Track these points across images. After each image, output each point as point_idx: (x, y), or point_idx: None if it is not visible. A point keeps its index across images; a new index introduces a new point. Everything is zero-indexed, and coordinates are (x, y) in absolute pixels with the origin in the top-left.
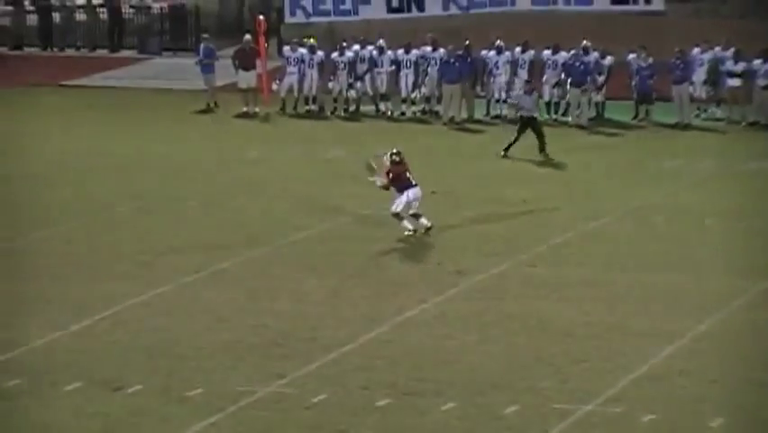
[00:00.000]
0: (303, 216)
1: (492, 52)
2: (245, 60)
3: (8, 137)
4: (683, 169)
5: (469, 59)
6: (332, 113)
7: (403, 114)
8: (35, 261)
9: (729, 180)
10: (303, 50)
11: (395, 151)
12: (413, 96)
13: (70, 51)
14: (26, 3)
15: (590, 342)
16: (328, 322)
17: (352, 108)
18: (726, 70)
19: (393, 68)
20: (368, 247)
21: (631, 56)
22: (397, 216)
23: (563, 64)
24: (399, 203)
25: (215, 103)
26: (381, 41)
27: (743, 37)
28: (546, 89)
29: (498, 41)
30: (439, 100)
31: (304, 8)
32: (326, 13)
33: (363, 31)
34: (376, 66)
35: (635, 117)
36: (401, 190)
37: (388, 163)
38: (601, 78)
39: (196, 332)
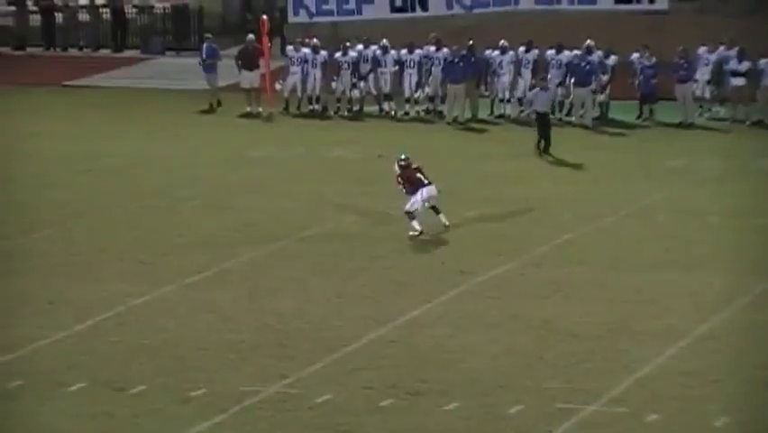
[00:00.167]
0: (306, 215)
1: (496, 52)
2: (248, 60)
3: (11, 137)
4: (687, 168)
5: (473, 59)
6: (335, 113)
7: (406, 114)
8: (38, 261)
9: (733, 179)
10: (306, 50)
11: (402, 157)
12: (416, 95)
13: (73, 52)
14: (29, 3)
15: (594, 342)
16: (332, 322)
17: (356, 108)
18: (730, 69)
19: (396, 68)
20: (372, 247)
21: (634, 55)
22: (409, 214)
23: (567, 64)
24: (414, 202)
25: (219, 102)
26: (385, 41)
27: (747, 36)
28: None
29: (502, 41)
30: (443, 100)
31: (307, 8)
32: (330, 13)
33: (367, 30)
34: (379, 66)
35: (639, 117)
36: (414, 192)
37: (396, 170)
38: (605, 78)
39: (199, 332)
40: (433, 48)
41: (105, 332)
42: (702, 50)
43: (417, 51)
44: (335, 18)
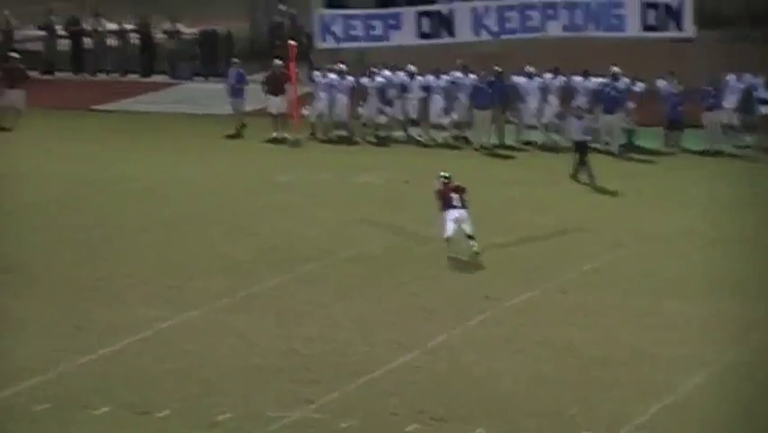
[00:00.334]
0: (332, 240)
1: (523, 78)
2: (276, 86)
3: (39, 160)
4: (713, 196)
5: (499, 85)
6: (362, 138)
7: (433, 139)
8: (65, 284)
9: (760, 208)
10: (333, 76)
11: (444, 174)
12: (443, 121)
13: (102, 76)
14: (58, 28)
15: (620, 368)
16: (357, 347)
17: (382, 134)
18: (758, 97)
19: (423, 93)
20: (397, 272)
21: (661, 82)
22: (448, 240)
23: (594, 90)
24: (447, 228)
25: (243, 125)
26: (412, 67)
27: None
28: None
29: (529, 67)
30: (469, 126)
31: (334, 34)
32: (357, 39)
33: (394, 56)
34: (406, 91)
35: (666, 144)
36: (445, 208)
37: (437, 185)
38: (632, 105)
39: (224, 356)
40: (460, 74)
41: (130, 356)
42: (730, 77)
43: (444, 77)
44: (362, 44)
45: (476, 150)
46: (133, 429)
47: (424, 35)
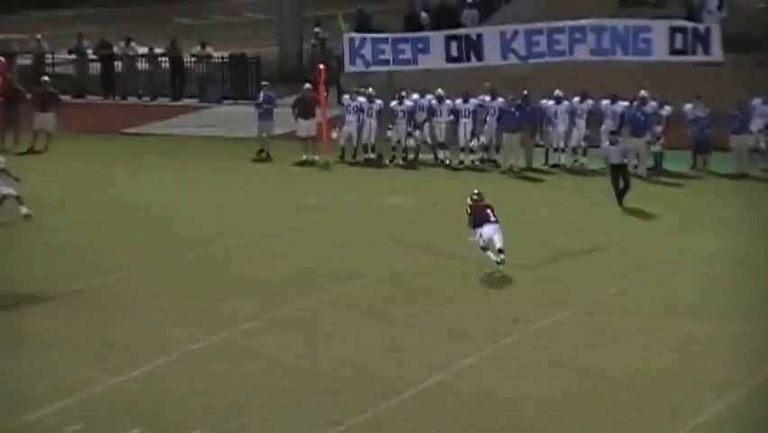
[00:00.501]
0: (360, 262)
1: (551, 102)
2: (305, 109)
3: (69, 183)
4: (741, 219)
5: (527, 109)
6: (390, 161)
7: (462, 162)
8: (94, 306)
9: None
10: (362, 99)
11: (475, 192)
12: (471, 144)
13: (132, 100)
14: (89, 52)
15: (648, 391)
16: (385, 369)
17: (411, 157)
18: None
19: (452, 117)
20: (426, 294)
21: (688, 106)
22: (483, 249)
23: (622, 114)
24: (480, 241)
25: (268, 153)
26: (440, 90)
27: None
28: (604, 139)
29: (557, 91)
30: (497, 149)
31: (363, 57)
32: (386, 63)
33: (422, 80)
34: (434, 115)
35: (693, 167)
36: (476, 226)
37: (469, 202)
38: (659, 128)
39: (253, 378)
40: (488, 97)
41: (160, 377)
42: (757, 101)
43: (472, 101)
44: (391, 67)
45: (504, 173)
46: None
47: (452, 59)
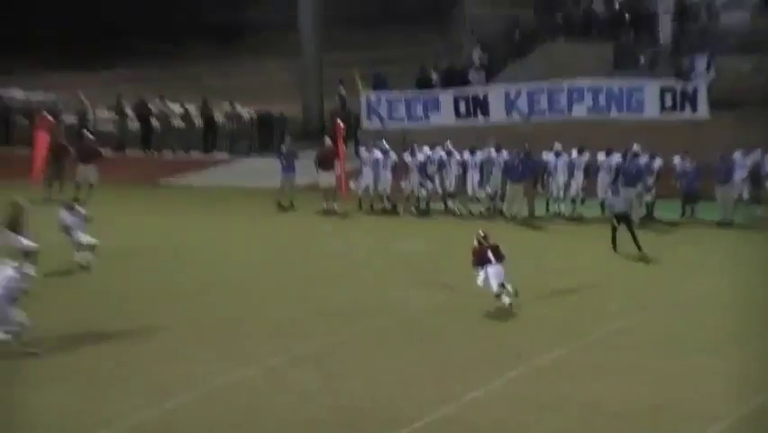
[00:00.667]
0: (376, 303)
1: (551, 155)
2: (325, 162)
3: (106, 229)
4: (727, 263)
5: (530, 162)
6: (404, 210)
7: (470, 211)
8: (129, 344)
9: None
10: (378, 153)
11: (482, 233)
12: (478, 194)
13: (167, 153)
14: (128, 111)
15: (643, 422)
16: (399, 402)
17: (423, 206)
18: (765, 173)
19: (460, 169)
20: (436, 331)
21: (677, 159)
22: (498, 296)
23: (617, 167)
24: (487, 284)
25: (291, 203)
26: (449, 145)
27: None
28: (600, 190)
29: (557, 145)
30: (502, 198)
31: (379, 114)
32: (400, 120)
33: (433, 135)
34: (444, 167)
35: (682, 215)
36: (480, 264)
37: (474, 243)
38: (650, 180)
39: (278, 410)
40: (493, 151)
41: (191, 409)
42: (737, 154)
43: (479, 154)
44: (405, 124)
45: (509, 220)
46: None
47: (460, 116)
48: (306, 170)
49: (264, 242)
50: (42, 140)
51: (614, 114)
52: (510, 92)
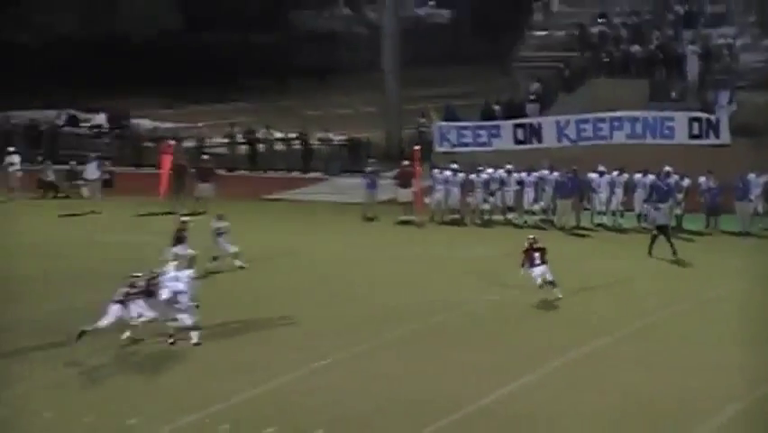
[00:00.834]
0: (445, 302)
1: (595, 175)
2: (404, 180)
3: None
4: (745, 267)
5: (577, 180)
6: (470, 221)
7: (525, 222)
8: (233, 335)
9: None
10: (448, 173)
11: (531, 236)
12: (533, 208)
13: (271, 173)
14: (239, 136)
15: (670, 406)
16: (463, 385)
17: (486, 218)
18: None
19: (518, 186)
20: (495, 327)
21: (702, 179)
22: (540, 287)
23: (651, 185)
24: (535, 277)
25: (375, 215)
26: (509, 165)
27: None
28: (637, 204)
29: (600, 166)
30: (553, 211)
31: (449, 140)
32: (467, 144)
33: (495, 157)
34: (505, 185)
35: (707, 227)
36: (529, 266)
37: (525, 245)
38: (680, 196)
39: (354, 395)
40: (546, 171)
41: (291, 388)
42: (751, 175)
43: (534, 174)
44: (471, 148)
45: (559, 230)
46: None
47: (518, 141)
48: (386, 187)
49: (351, 248)
50: (166, 162)
51: (649, 140)
52: (561, 121)
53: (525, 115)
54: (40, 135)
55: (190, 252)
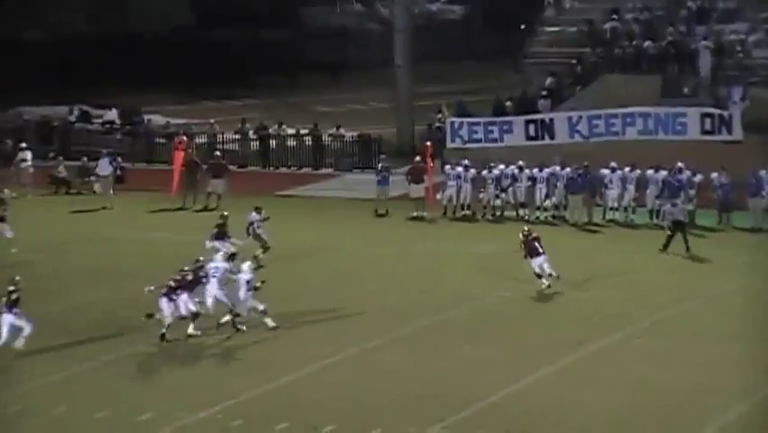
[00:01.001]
0: (457, 296)
1: (607, 171)
2: (415, 176)
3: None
4: (757, 263)
5: (588, 176)
6: (482, 217)
7: (537, 218)
8: (253, 331)
9: None
10: (460, 169)
11: (525, 228)
12: (545, 204)
13: (283, 169)
14: (250, 133)
15: (682, 398)
16: (477, 379)
17: (498, 214)
18: None
19: (530, 182)
20: (507, 321)
21: (714, 175)
22: (537, 275)
23: (663, 181)
24: (535, 269)
25: (386, 211)
26: (521, 162)
27: None
28: (649, 200)
29: (612, 162)
30: (565, 207)
31: (461, 136)
32: (478, 141)
33: (507, 153)
34: (516, 181)
35: (719, 223)
36: (530, 256)
37: (521, 237)
38: (692, 192)
39: (376, 385)
40: (558, 167)
41: (303, 384)
42: (762, 172)
43: (546, 170)
44: (483, 144)
45: (570, 226)
46: None
47: (530, 137)
48: (398, 183)
49: (363, 243)
50: (178, 158)
51: (661, 136)
52: (573, 117)
53: (536, 111)
54: (52, 131)
55: (234, 241)
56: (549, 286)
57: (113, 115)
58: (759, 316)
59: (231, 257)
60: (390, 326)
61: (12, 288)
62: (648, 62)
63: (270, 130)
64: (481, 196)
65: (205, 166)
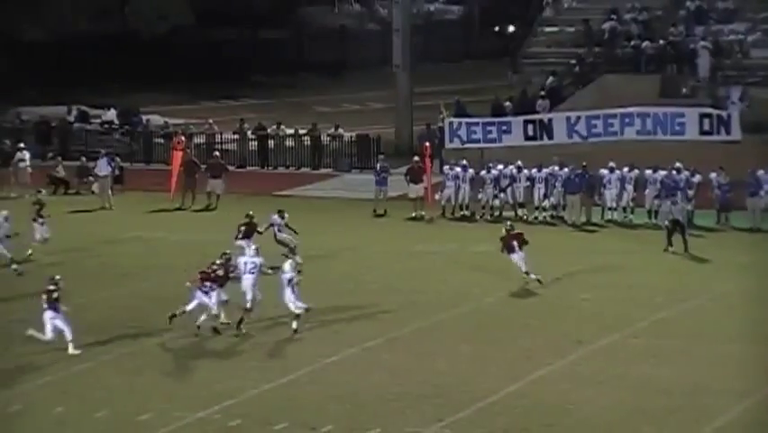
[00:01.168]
0: (456, 296)
1: (606, 171)
2: (414, 176)
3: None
4: (755, 263)
5: (587, 176)
6: (480, 217)
7: (536, 218)
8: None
9: None
10: (458, 169)
11: (508, 223)
12: (543, 204)
13: (281, 169)
14: (249, 133)
15: (683, 398)
16: (477, 379)
17: (497, 214)
18: None
19: (528, 182)
20: (507, 320)
21: (713, 175)
22: (527, 274)
23: (661, 181)
24: (517, 263)
25: (385, 211)
26: (519, 162)
27: None
28: (648, 200)
29: (610, 162)
30: (564, 208)
31: (460, 137)
32: (477, 141)
33: (505, 154)
34: (515, 181)
35: (718, 223)
36: (508, 252)
37: (503, 232)
38: (691, 192)
39: (374, 385)
40: (556, 167)
41: (302, 384)
42: (761, 172)
43: (544, 170)
44: (481, 145)
45: (569, 226)
46: None
47: (528, 138)
48: (396, 183)
49: (362, 243)
50: (177, 157)
51: (659, 136)
52: (571, 117)
53: (535, 112)
54: (50, 131)
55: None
56: (529, 281)
57: (111, 115)
58: (758, 316)
59: (291, 251)
60: (389, 326)
61: (52, 286)
62: (647, 62)
63: (269, 130)
64: (480, 196)
65: (203, 166)
